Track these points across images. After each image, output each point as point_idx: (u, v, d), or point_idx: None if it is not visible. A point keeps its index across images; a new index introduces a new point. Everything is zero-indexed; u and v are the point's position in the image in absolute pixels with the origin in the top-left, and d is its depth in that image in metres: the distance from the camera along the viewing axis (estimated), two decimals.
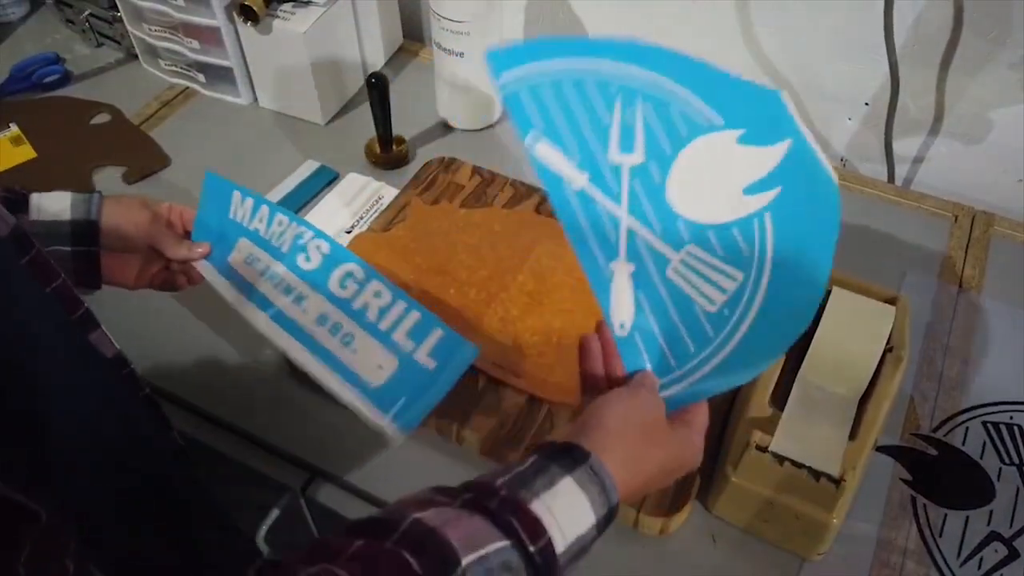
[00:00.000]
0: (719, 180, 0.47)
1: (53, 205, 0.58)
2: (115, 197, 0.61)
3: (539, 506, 0.39)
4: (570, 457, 0.42)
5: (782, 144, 0.47)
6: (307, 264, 0.58)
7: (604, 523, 0.42)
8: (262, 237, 0.61)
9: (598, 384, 0.51)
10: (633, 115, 0.47)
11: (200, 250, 0.63)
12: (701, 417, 0.49)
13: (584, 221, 0.48)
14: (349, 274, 0.57)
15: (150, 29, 0.93)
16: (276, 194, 0.83)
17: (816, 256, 0.46)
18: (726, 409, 0.65)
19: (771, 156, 0.47)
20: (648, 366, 0.49)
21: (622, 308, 0.48)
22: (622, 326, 0.48)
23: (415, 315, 0.53)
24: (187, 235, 0.64)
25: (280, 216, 0.61)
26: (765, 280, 0.46)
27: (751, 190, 0.47)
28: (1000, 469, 0.64)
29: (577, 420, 0.46)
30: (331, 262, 0.58)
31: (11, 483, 0.33)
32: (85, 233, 0.58)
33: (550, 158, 0.47)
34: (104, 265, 0.60)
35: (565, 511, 0.40)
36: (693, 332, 0.47)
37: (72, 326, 0.48)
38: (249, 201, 0.62)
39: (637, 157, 0.47)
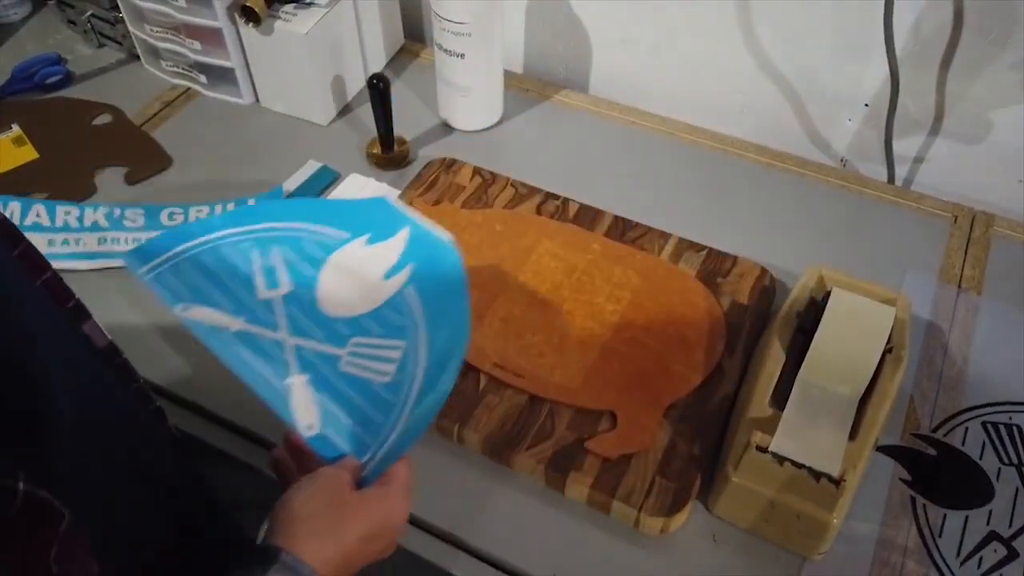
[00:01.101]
0: (363, 277, 0.55)
1: None
2: None
3: None
4: (264, 558, 0.43)
5: (402, 231, 0.56)
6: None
7: None
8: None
9: None
10: (271, 258, 0.57)
11: None
12: (400, 473, 0.50)
13: (250, 356, 0.53)
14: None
15: (152, 30, 0.93)
16: (277, 194, 0.84)
17: (456, 303, 0.54)
18: (727, 410, 0.65)
19: (397, 243, 0.56)
20: (348, 450, 0.51)
21: (306, 413, 0.52)
22: (310, 427, 0.52)
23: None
24: None
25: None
26: (423, 336, 0.53)
27: (389, 275, 0.56)
28: (999, 469, 0.64)
29: (268, 516, 0.47)
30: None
31: (34, 481, 0.34)
32: None
33: (203, 316, 0.54)
34: None
35: None
36: (377, 405, 0.52)
37: (65, 317, 0.48)
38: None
39: (284, 288, 0.56)
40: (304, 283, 0.56)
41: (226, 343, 0.54)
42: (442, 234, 0.56)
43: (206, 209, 0.82)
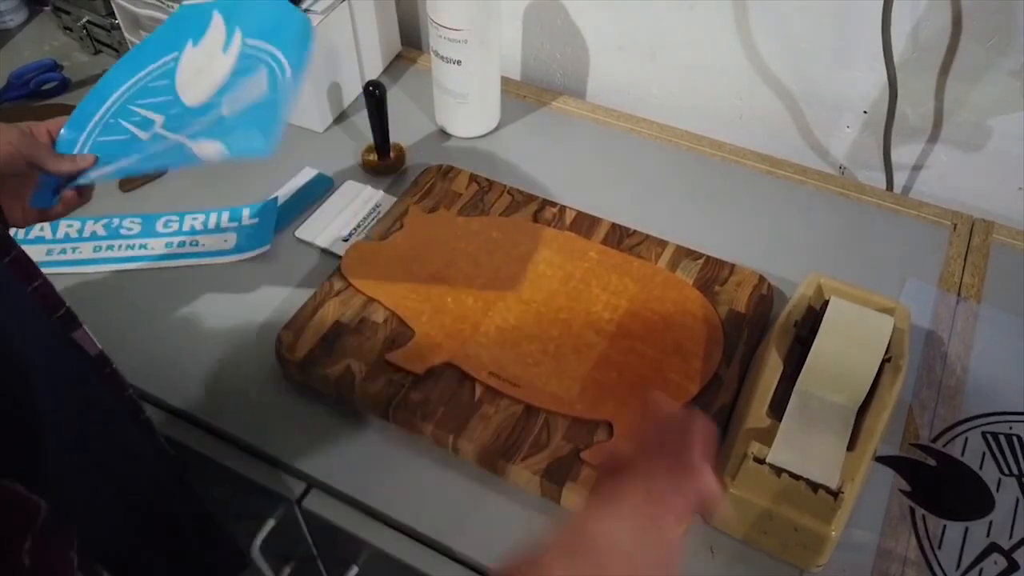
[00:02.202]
0: (210, 67, 0.60)
1: None
2: None
3: None
4: None
5: (215, 16, 0.61)
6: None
7: None
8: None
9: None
10: (135, 113, 0.62)
11: (81, 161, 0.60)
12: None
13: (152, 157, 0.59)
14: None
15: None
16: (272, 205, 0.83)
17: (285, 17, 0.61)
18: (724, 420, 0.65)
19: (217, 26, 0.61)
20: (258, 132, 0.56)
21: (208, 150, 0.57)
22: (218, 151, 0.56)
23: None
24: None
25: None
26: (279, 53, 0.59)
27: (225, 48, 0.61)
28: (1000, 480, 0.64)
29: (563, 535, 0.41)
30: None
31: (9, 475, 0.33)
32: None
33: (107, 171, 0.60)
34: None
35: None
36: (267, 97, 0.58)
37: (55, 324, 0.48)
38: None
39: (159, 121, 0.61)
40: (171, 104, 0.61)
41: (132, 165, 0.59)
42: None
43: (201, 217, 0.82)
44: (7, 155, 0.56)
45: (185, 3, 0.63)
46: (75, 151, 0.61)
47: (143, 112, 0.61)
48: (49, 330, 0.48)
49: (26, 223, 0.61)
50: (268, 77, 0.58)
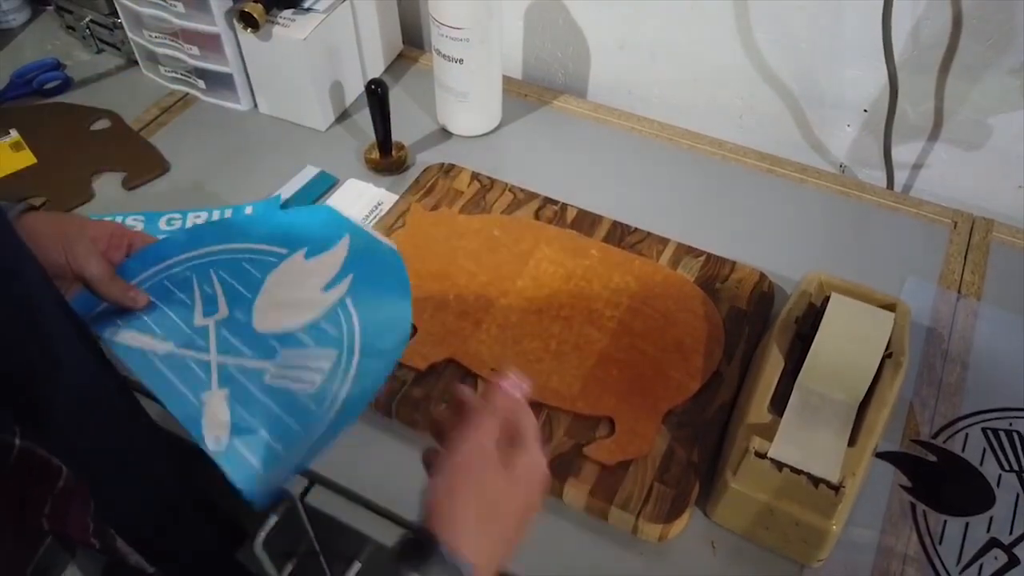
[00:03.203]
0: (302, 293, 0.57)
1: None
2: (49, 214, 0.55)
3: None
4: (424, 550, 0.41)
5: (343, 241, 0.58)
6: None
7: None
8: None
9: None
10: (211, 284, 0.59)
11: (133, 295, 0.56)
12: (528, 426, 0.47)
13: (173, 375, 0.54)
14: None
15: (150, 35, 0.93)
16: (275, 202, 0.84)
17: (397, 307, 0.56)
18: (726, 416, 0.65)
19: (338, 254, 0.58)
20: (256, 465, 0.51)
21: (216, 427, 0.52)
22: (217, 440, 0.51)
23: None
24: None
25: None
26: (357, 344, 0.54)
27: (329, 287, 0.57)
28: (1000, 476, 0.64)
29: (427, 498, 0.44)
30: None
31: (32, 439, 0.34)
32: None
33: (130, 340, 0.56)
34: None
35: None
36: (297, 414, 0.52)
37: (75, 325, 0.49)
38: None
39: (222, 313, 0.57)
40: (242, 305, 0.57)
41: (149, 366, 0.54)
42: (385, 240, 0.57)
43: (204, 215, 0.82)
44: (53, 257, 0.53)
45: (329, 206, 0.59)
46: (136, 281, 0.58)
47: (218, 288, 0.58)
48: (71, 324, 0.48)
49: None
50: (330, 369, 0.53)
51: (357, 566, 0.68)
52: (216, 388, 0.53)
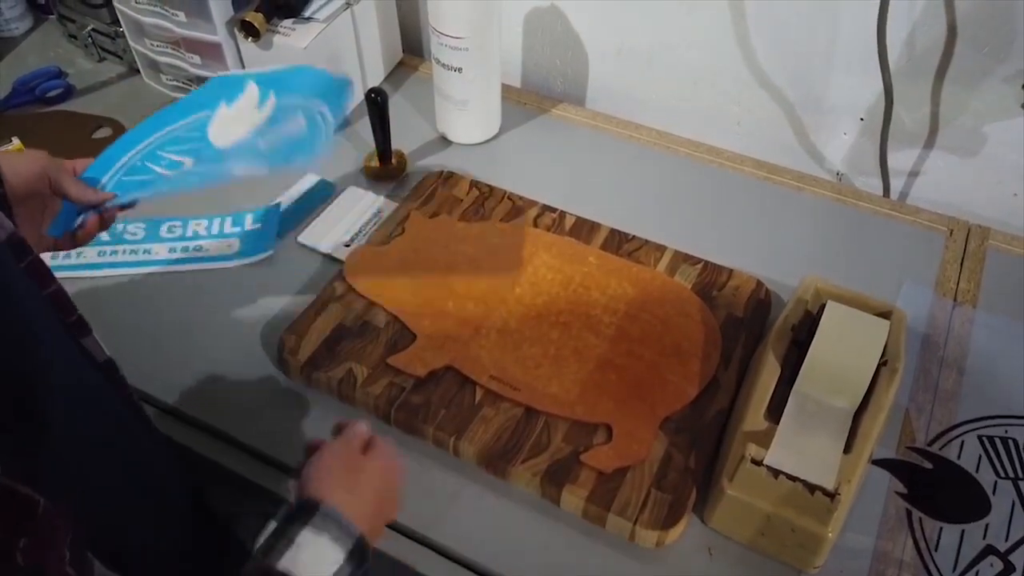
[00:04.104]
0: (242, 121, 0.62)
1: None
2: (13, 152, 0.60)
3: (285, 563, 0.45)
4: (305, 511, 0.48)
5: (251, 85, 0.62)
6: None
7: (357, 553, 0.48)
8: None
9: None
10: (163, 158, 0.63)
11: (105, 195, 0.60)
12: (379, 441, 0.56)
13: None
14: None
15: (152, 44, 0.94)
16: (275, 211, 0.84)
17: (319, 79, 0.64)
18: (722, 422, 0.66)
19: (251, 91, 0.62)
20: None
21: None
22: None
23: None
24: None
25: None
26: (318, 101, 0.62)
27: (260, 105, 0.62)
28: (995, 483, 0.64)
29: (296, 483, 0.52)
30: None
31: (12, 473, 0.34)
32: None
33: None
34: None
35: (309, 559, 0.46)
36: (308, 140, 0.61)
37: (67, 329, 0.49)
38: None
39: (188, 162, 0.62)
40: (203, 149, 0.62)
41: (165, 188, 0.61)
42: (280, 68, 0.63)
43: (205, 222, 0.83)
44: (35, 173, 0.57)
45: (218, 75, 0.64)
46: (98, 187, 0.62)
47: (172, 156, 0.62)
48: (62, 333, 0.48)
49: (39, 250, 0.60)
50: (306, 117, 0.61)
51: None
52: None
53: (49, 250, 0.62)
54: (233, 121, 0.62)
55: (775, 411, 0.61)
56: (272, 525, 0.48)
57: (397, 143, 0.88)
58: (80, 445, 0.46)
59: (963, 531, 0.61)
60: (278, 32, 0.86)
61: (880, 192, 0.90)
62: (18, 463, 0.36)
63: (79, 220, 0.61)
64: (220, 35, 0.88)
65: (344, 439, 0.55)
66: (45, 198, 0.59)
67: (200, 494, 0.63)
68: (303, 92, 0.63)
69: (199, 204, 0.85)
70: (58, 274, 0.51)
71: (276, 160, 0.58)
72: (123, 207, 0.62)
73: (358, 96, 0.96)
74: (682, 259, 0.77)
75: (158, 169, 0.62)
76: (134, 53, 0.98)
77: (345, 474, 0.52)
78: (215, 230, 0.82)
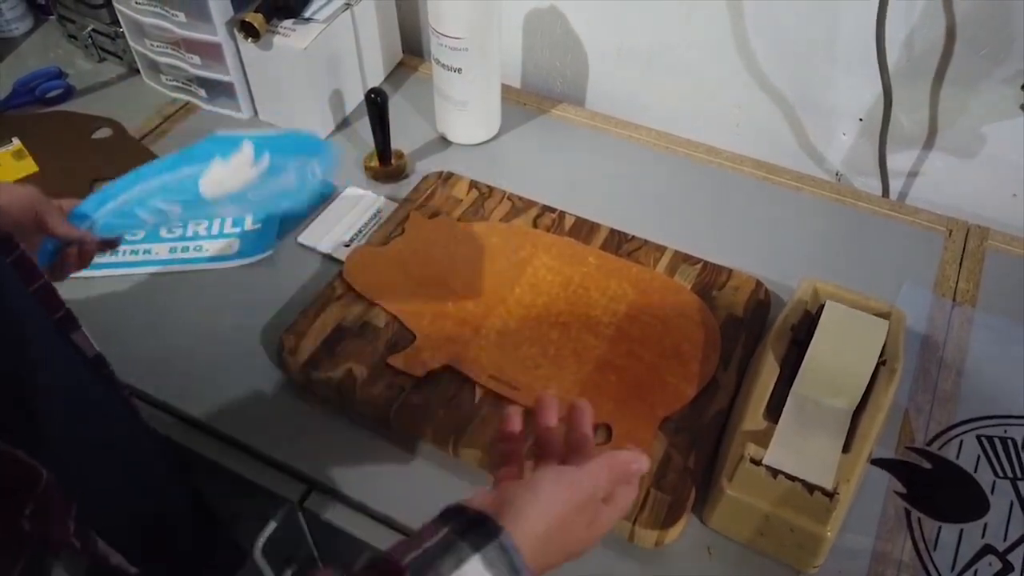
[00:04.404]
0: (236, 175, 0.63)
1: None
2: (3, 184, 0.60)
3: None
4: (483, 532, 0.40)
5: (245, 142, 0.63)
6: None
7: None
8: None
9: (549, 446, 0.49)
10: (152, 205, 0.63)
11: (88, 236, 0.61)
12: (624, 499, 0.47)
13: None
14: None
15: (152, 45, 0.94)
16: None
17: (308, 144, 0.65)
18: (722, 422, 0.66)
19: (246, 149, 0.62)
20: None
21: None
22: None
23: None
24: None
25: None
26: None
27: (254, 162, 0.63)
28: (994, 482, 0.64)
29: (503, 489, 0.43)
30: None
31: (13, 442, 0.34)
32: None
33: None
34: None
35: None
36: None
37: (55, 325, 0.49)
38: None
39: (175, 211, 0.63)
40: (192, 200, 0.63)
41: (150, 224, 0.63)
42: (277, 131, 0.66)
43: (205, 222, 0.83)
44: (24, 206, 0.57)
45: (215, 134, 0.64)
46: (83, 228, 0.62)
47: (160, 204, 0.63)
48: (50, 328, 0.48)
49: None
50: (296, 176, 0.63)
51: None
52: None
53: None
54: (226, 175, 0.63)
55: (774, 411, 0.61)
56: (433, 534, 0.40)
57: (397, 143, 0.88)
58: (78, 445, 0.46)
59: (962, 530, 0.62)
60: (278, 33, 0.87)
61: (879, 192, 0.90)
62: (17, 437, 0.37)
63: (58, 253, 0.61)
64: (220, 36, 0.88)
65: (590, 483, 0.44)
66: (28, 233, 0.58)
67: (199, 494, 0.64)
68: (296, 153, 0.64)
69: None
70: None
71: (263, 209, 0.60)
72: (105, 243, 0.63)
73: (358, 96, 0.97)
74: (682, 259, 0.78)
75: (145, 216, 0.62)
76: (134, 54, 0.98)
77: (557, 529, 0.42)
78: (215, 230, 0.82)
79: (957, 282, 0.79)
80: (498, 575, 0.39)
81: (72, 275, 0.62)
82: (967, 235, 0.83)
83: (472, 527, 0.40)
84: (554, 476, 0.43)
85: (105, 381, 0.53)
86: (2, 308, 0.40)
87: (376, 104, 0.83)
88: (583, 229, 0.80)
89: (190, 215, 0.64)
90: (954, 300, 0.77)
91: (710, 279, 0.76)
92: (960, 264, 0.81)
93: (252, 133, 0.65)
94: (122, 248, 0.80)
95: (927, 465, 0.65)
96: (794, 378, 0.62)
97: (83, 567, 0.38)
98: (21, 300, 0.45)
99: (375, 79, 1.00)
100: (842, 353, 0.62)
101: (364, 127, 0.89)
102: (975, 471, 0.65)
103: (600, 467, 0.45)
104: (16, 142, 0.91)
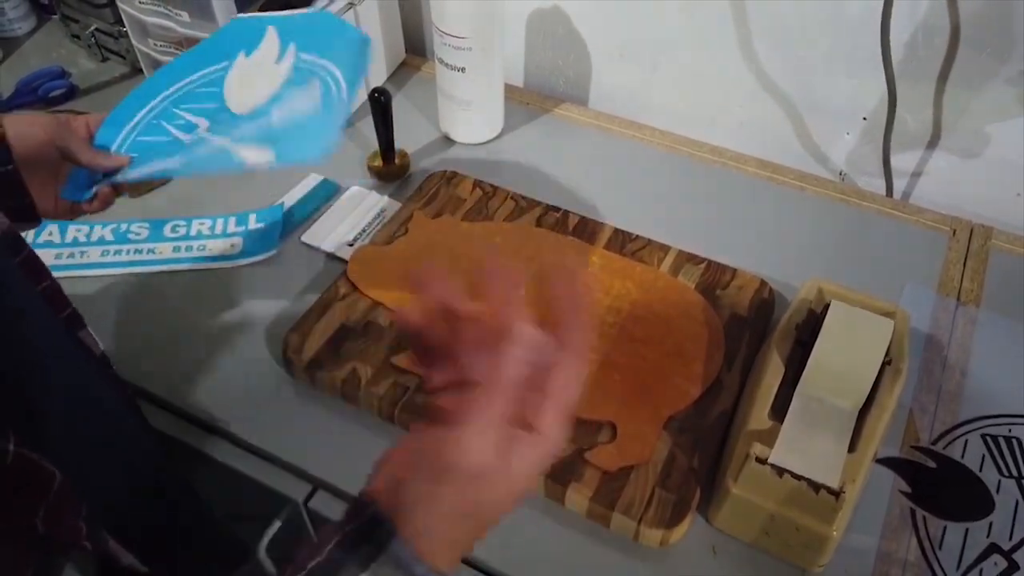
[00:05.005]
0: (260, 76, 0.59)
1: None
2: (18, 114, 0.58)
3: None
4: (375, 540, 0.35)
5: (270, 31, 0.60)
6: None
7: None
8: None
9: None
10: (179, 117, 0.61)
11: (116, 158, 0.58)
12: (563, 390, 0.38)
13: (197, 160, 0.58)
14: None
15: (155, 44, 0.94)
16: (277, 211, 0.84)
17: (341, 32, 0.60)
18: (726, 422, 0.66)
19: (271, 40, 0.60)
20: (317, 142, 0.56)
21: (257, 154, 0.57)
22: (268, 160, 0.57)
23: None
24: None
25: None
26: (332, 67, 0.59)
27: (278, 60, 0.60)
28: (999, 482, 0.64)
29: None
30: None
31: (26, 444, 0.34)
32: None
33: (149, 169, 0.59)
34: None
35: None
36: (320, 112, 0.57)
37: (62, 324, 0.49)
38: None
39: (203, 126, 0.60)
40: (217, 112, 0.60)
41: (174, 167, 0.59)
42: (303, 11, 0.61)
43: (208, 222, 0.83)
44: (39, 142, 0.55)
45: (237, 16, 0.62)
46: (112, 149, 0.60)
47: (187, 116, 0.60)
48: (57, 327, 0.48)
49: (58, 215, 0.60)
50: (322, 89, 0.58)
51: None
52: (238, 142, 0.57)
53: (66, 217, 0.61)
54: (250, 80, 0.59)
55: (779, 411, 0.61)
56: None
57: (400, 143, 0.88)
58: (82, 444, 0.46)
59: (967, 530, 0.62)
60: None
61: (883, 192, 0.90)
62: (29, 438, 0.37)
63: (94, 189, 0.59)
64: None
65: (473, 428, 0.36)
66: (52, 164, 0.57)
67: (201, 494, 0.63)
68: (321, 50, 0.59)
69: (203, 203, 0.85)
70: (60, 273, 0.52)
71: (284, 153, 0.56)
72: (137, 183, 0.61)
73: (361, 95, 0.97)
74: (685, 259, 0.78)
75: (172, 130, 0.59)
76: (137, 53, 0.98)
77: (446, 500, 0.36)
78: (219, 230, 0.82)
79: (961, 282, 0.79)
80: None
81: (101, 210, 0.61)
82: (971, 235, 0.83)
83: (364, 533, 0.36)
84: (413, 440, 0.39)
85: (110, 380, 0.54)
86: (10, 308, 0.40)
87: (379, 103, 0.82)
88: (587, 229, 0.80)
89: (216, 132, 0.59)
90: (958, 300, 0.77)
91: (714, 278, 0.76)
92: (964, 264, 0.81)
93: (275, 15, 0.61)
94: (125, 248, 0.80)
95: (932, 464, 0.65)
96: (798, 378, 0.62)
97: (94, 567, 0.38)
98: (29, 300, 0.45)
99: (378, 78, 1.00)
100: (847, 353, 0.62)
101: (367, 126, 0.89)
102: (980, 470, 0.65)
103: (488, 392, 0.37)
104: None
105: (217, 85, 0.60)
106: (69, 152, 0.56)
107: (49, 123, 0.56)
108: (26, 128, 0.55)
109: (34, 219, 0.57)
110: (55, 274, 0.50)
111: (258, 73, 0.59)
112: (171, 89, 0.61)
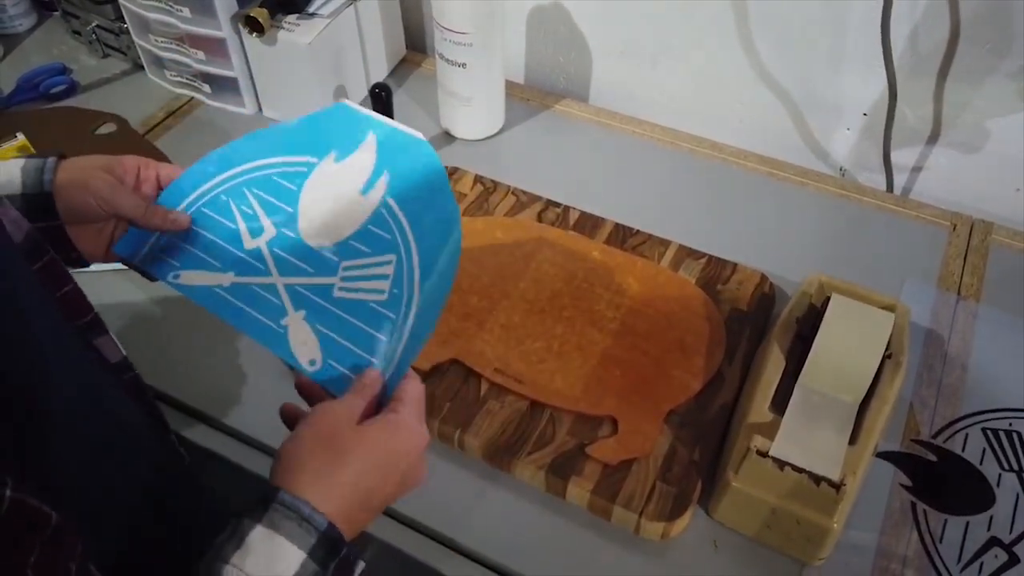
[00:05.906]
0: (341, 198, 0.54)
1: (2, 175, 0.51)
2: (74, 161, 0.54)
3: (233, 567, 0.39)
4: (260, 505, 0.41)
5: (370, 137, 0.55)
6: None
7: (325, 546, 0.41)
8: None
9: None
10: (249, 203, 0.56)
11: (173, 218, 0.55)
12: (408, 393, 0.48)
13: (245, 306, 0.53)
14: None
15: (156, 40, 0.94)
16: None
17: (439, 199, 0.53)
18: (727, 416, 0.66)
19: (367, 152, 0.55)
20: (351, 376, 0.50)
21: (307, 349, 0.51)
22: (313, 362, 0.51)
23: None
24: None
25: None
26: (412, 243, 0.52)
27: (366, 189, 0.54)
28: (1000, 475, 0.64)
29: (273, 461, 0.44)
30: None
31: (24, 487, 0.34)
32: (41, 207, 0.51)
33: (195, 279, 0.55)
34: (75, 237, 0.54)
35: (260, 562, 0.39)
36: (376, 324, 0.51)
37: (76, 331, 0.48)
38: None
39: (269, 232, 0.55)
40: (286, 222, 0.55)
41: (221, 300, 0.54)
42: (411, 132, 0.55)
43: None
44: (93, 208, 0.52)
45: (344, 103, 0.56)
46: (178, 208, 0.57)
47: (257, 207, 0.56)
48: (68, 339, 0.47)
49: (107, 260, 0.58)
50: (393, 275, 0.52)
51: (361, 565, 0.68)
52: (292, 311, 0.52)
53: (118, 261, 0.58)
54: (333, 186, 0.55)
55: (780, 404, 0.61)
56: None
57: None
58: (82, 451, 0.46)
59: (967, 523, 0.62)
60: (282, 28, 0.87)
61: (883, 187, 0.90)
62: (28, 473, 0.36)
63: (149, 243, 0.56)
64: (224, 31, 0.88)
65: (329, 408, 0.46)
66: (108, 220, 0.55)
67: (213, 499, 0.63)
68: (410, 198, 0.54)
69: None
70: (72, 269, 0.50)
71: (329, 355, 0.51)
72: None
73: (362, 91, 0.97)
74: (686, 254, 0.78)
75: (237, 215, 0.56)
76: (138, 49, 0.98)
77: (322, 456, 0.43)
78: None
79: (961, 277, 0.79)
80: (288, 531, 0.40)
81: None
82: (971, 230, 0.83)
83: (253, 505, 0.41)
84: (298, 427, 0.45)
85: (128, 385, 0.52)
86: (16, 317, 0.40)
87: (381, 99, 0.83)
88: (587, 224, 0.81)
89: (277, 246, 0.54)
90: (958, 294, 0.77)
91: (714, 273, 0.76)
92: (964, 259, 0.81)
93: (383, 120, 0.55)
94: None
95: (932, 458, 0.65)
96: (799, 372, 0.62)
97: None
98: (39, 307, 0.44)
99: (379, 74, 1.00)
100: (848, 346, 0.62)
101: None
102: (981, 464, 0.65)
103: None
104: (20, 137, 0.91)
105: (296, 182, 0.56)
106: (115, 208, 0.53)
107: (100, 185, 0.53)
108: (76, 196, 0.52)
109: (82, 264, 0.56)
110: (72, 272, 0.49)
111: (342, 190, 0.55)
112: (252, 164, 0.57)
